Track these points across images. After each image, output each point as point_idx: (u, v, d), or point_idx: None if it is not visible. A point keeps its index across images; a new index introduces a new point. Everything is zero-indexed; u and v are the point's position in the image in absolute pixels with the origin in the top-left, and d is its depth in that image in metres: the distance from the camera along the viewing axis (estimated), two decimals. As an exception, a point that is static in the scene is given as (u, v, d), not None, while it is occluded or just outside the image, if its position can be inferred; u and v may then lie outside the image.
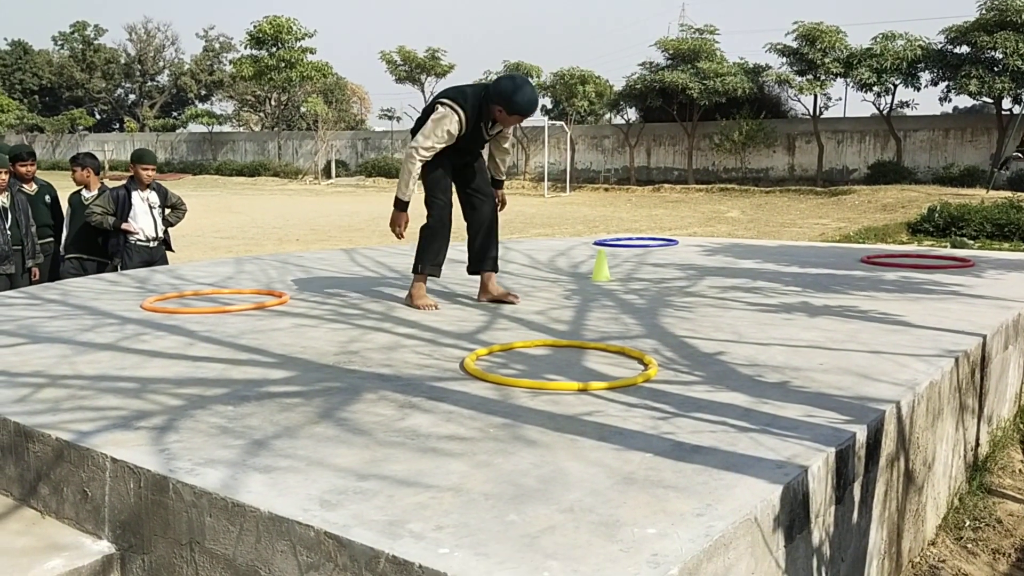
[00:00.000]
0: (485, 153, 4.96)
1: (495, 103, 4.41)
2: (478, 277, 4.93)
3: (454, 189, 4.76)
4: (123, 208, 6.40)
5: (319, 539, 1.89)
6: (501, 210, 5.01)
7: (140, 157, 6.52)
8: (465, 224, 4.91)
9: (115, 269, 6.48)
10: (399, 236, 4.65)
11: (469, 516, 1.94)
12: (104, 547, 2.32)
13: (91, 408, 2.74)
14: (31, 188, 6.71)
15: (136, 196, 6.46)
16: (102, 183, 6.87)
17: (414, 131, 4.64)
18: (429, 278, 4.78)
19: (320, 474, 2.19)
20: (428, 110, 4.58)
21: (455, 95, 4.52)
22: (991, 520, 3.61)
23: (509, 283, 5.58)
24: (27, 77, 59.93)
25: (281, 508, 1.99)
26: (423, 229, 4.70)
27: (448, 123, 4.42)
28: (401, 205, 4.58)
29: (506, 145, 4.95)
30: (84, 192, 6.70)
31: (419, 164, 4.48)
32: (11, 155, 6.63)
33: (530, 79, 37.16)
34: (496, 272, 4.90)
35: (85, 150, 8.70)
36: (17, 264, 6.21)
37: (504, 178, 5.08)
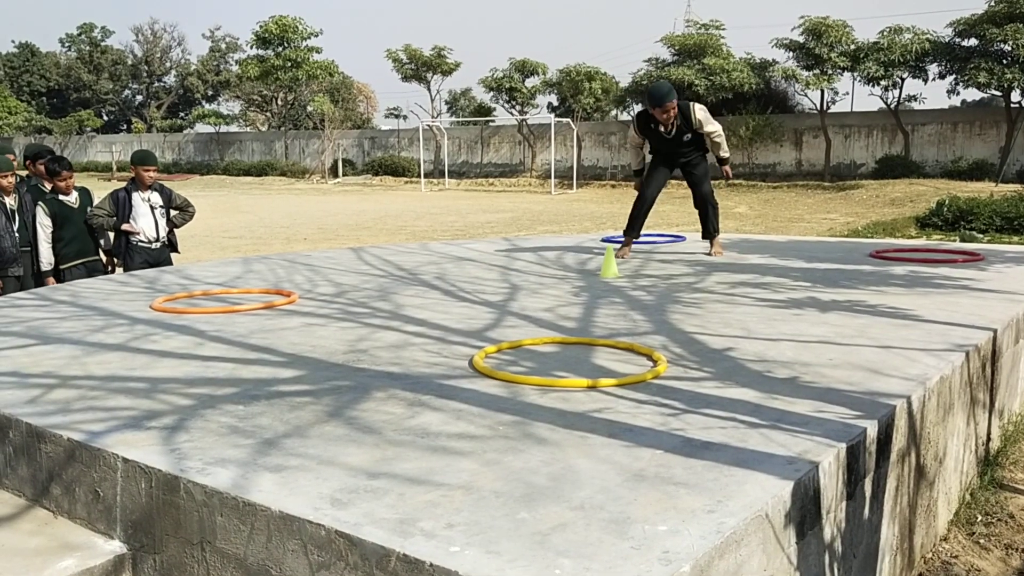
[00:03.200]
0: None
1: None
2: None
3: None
4: (124, 209, 6.40)
5: (330, 538, 1.90)
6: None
7: (142, 159, 6.52)
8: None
9: (114, 270, 6.46)
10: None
11: (480, 514, 1.94)
12: (116, 547, 2.33)
13: (102, 408, 2.75)
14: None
15: (137, 197, 6.46)
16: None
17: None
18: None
19: (331, 473, 2.20)
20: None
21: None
22: (1003, 515, 3.59)
23: (516, 280, 5.58)
24: (35, 79, 60.21)
25: (292, 507, 1.99)
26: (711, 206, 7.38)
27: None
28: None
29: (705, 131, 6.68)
30: (62, 197, 6.36)
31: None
32: (33, 156, 6.65)
33: (537, 76, 37.20)
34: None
35: (57, 152, 7.94)
36: (26, 267, 6.18)
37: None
